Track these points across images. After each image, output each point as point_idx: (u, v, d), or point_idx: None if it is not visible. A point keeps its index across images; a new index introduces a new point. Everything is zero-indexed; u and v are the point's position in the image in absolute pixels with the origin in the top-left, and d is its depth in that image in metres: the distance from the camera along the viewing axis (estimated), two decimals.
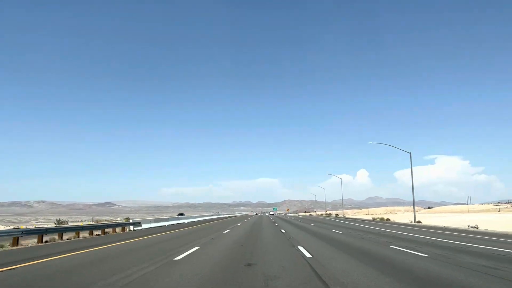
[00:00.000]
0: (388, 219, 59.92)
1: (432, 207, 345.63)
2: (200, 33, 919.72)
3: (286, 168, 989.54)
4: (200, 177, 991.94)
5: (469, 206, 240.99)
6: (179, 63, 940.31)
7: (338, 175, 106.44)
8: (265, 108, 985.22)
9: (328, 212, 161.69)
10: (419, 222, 46.26)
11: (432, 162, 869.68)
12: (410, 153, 35.49)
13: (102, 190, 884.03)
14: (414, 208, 49.94)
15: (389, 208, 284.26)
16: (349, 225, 39.58)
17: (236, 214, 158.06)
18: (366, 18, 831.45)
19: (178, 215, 77.20)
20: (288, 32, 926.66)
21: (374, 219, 63.27)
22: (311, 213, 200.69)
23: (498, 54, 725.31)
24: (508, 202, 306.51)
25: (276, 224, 43.74)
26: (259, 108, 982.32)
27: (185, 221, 55.32)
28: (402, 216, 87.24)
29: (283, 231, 29.54)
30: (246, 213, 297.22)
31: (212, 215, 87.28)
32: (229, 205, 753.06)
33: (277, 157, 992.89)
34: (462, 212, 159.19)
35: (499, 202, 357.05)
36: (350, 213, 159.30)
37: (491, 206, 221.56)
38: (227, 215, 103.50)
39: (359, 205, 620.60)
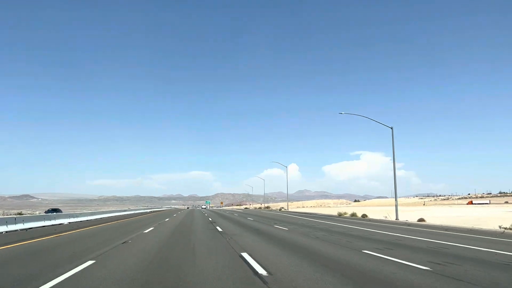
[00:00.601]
0: (365, 216, 42.62)
1: (358, 200, 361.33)
2: None
3: (219, 161, 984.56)
4: (129, 170, 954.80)
5: (398, 199, 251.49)
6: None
7: (283, 164, 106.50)
8: (197, 102, 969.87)
9: (266, 205, 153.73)
10: (417, 220, 33.34)
11: (357, 157, 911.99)
12: (391, 128, 31.21)
13: (19, 182, 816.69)
14: (396, 201, 39.34)
15: (319, 201, 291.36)
16: (315, 224, 28.87)
17: (165, 208, 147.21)
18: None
19: (47, 211, 52.67)
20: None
21: (340, 214, 49.77)
22: (247, 206, 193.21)
23: (420, 60, 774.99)
24: (428, 196, 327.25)
25: (210, 219, 38.22)
26: (190, 101, 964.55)
27: (66, 220, 32.40)
28: (345, 209, 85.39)
29: (219, 228, 24.02)
30: (176, 207, 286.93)
31: (137, 210, 76.89)
32: (159, 198, 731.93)
33: (209, 150, 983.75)
34: (392, 205, 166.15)
35: (416, 196, 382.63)
36: (293, 206, 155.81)
37: (416, 199, 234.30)
38: (151, 210, 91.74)
39: (289, 199, 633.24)
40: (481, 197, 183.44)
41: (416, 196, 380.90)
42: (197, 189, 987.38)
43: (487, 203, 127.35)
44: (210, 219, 39.21)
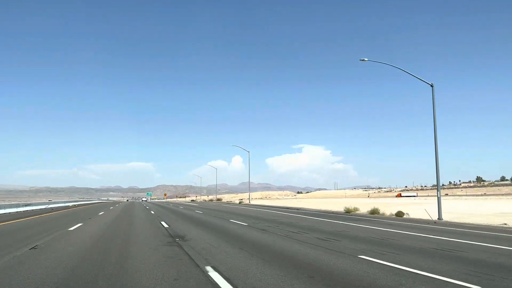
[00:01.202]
0: (400, 215, 28.38)
1: (301, 192, 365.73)
2: None
3: (161, 153, 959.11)
4: (63, 160, 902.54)
5: (342, 191, 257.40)
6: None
7: (244, 148, 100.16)
8: (137, 92, 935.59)
9: (217, 197, 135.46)
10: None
11: (300, 150, 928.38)
12: (432, 85, 26.72)
13: None
14: (438, 192, 26.70)
15: (264, 193, 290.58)
16: (318, 227, 18.19)
17: (100, 201, 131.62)
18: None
19: None
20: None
21: (349, 211, 33.80)
22: (193, 198, 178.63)
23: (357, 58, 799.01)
24: (366, 189, 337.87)
25: (152, 212, 32.33)
26: (130, 91, 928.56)
27: None
28: (308, 202, 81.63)
29: (165, 224, 18.23)
30: (115, 199, 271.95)
31: (66, 202, 65.82)
32: (97, 190, 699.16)
33: (150, 141, 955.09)
34: (341, 197, 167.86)
35: (354, 188, 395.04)
36: (256, 197, 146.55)
37: (360, 191, 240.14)
38: (86, 203, 78.84)
39: (233, 190, 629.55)
40: (422, 189, 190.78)
41: (354, 188, 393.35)
42: (137, 181, 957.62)
43: (414, 196, 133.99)
44: (152, 212, 33.36)
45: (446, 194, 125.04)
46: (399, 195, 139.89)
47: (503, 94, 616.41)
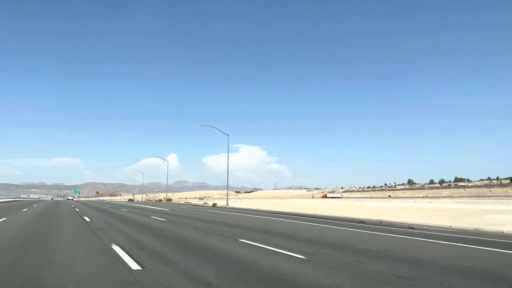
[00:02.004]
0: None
1: (239, 192, 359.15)
2: None
3: (91, 149, 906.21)
4: None
5: (283, 191, 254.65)
6: None
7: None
8: (67, 83, 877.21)
9: (168, 196, 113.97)
10: None
11: (237, 150, 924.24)
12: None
13: None
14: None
15: (202, 192, 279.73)
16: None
17: (20, 198, 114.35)
18: None
19: None
20: None
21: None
22: (130, 198, 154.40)
23: (292, 58, 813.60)
24: (299, 188, 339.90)
25: (87, 219, 22.56)
26: (60, 82, 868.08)
27: None
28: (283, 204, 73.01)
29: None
30: (37, 196, 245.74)
31: None
32: (17, 186, 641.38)
33: (79, 136, 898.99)
34: (288, 197, 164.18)
35: (289, 188, 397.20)
36: (233, 199, 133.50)
37: (304, 191, 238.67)
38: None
39: (168, 189, 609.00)
40: (362, 190, 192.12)
41: (289, 188, 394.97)
42: (64, 178, 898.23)
43: (339, 197, 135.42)
44: (87, 219, 23.35)
45: (389, 196, 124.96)
46: (324, 196, 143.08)
47: (432, 98, 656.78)
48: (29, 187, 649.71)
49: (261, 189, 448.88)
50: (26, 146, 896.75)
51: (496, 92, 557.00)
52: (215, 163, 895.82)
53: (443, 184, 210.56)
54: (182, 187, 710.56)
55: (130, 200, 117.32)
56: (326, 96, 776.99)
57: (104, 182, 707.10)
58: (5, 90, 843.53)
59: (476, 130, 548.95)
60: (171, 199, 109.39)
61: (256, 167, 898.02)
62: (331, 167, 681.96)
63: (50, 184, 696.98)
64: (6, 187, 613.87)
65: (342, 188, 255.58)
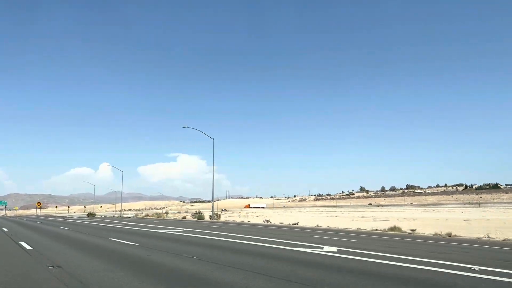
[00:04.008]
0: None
1: (184, 201, 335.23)
2: None
3: (13, 157, 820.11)
4: None
5: (242, 200, 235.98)
6: None
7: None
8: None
9: (157, 209, 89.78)
10: None
11: (174, 159, 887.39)
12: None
13: None
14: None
15: (148, 203, 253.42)
16: None
17: None
18: None
19: None
20: None
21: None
22: (91, 212, 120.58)
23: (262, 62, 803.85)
24: (240, 197, 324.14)
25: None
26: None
27: None
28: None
29: None
30: None
31: None
32: None
33: (3, 145, 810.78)
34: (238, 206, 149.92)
35: (230, 197, 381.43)
36: (126, 208, 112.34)
37: (274, 200, 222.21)
38: None
39: (100, 200, 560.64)
40: (320, 198, 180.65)
41: (230, 197, 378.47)
42: None
43: (263, 207, 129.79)
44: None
45: (351, 205, 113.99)
46: (248, 206, 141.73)
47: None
48: None
49: (202, 200, 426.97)
50: None
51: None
52: (151, 172, 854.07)
53: (396, 191, 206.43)
54: (116, 197, 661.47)
55: (90, 214, 77.28)
56: (263, 103, 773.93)
57: (29, 193, 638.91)
58: None
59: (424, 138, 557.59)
60: (148, 214, 77.66)
61: (194, 177, 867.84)
62: (268, 176, 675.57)
63: None
64: None
65: (294, 196, 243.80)
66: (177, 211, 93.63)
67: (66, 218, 56.94)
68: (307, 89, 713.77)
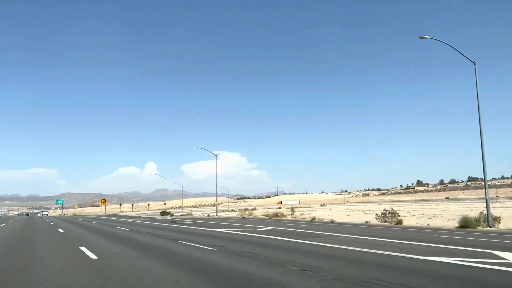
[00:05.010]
0: None
1: (237, 199, 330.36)
2: None
3: (65, 158, 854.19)
4: None
5: (305, 196, 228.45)
6: None
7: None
8: (38, 92, 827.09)
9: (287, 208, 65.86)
10: None
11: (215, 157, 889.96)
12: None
13: None
14: None
15: (197, 200, 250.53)
16: None
17: None
18: None
19: None
20: None
21: None
22: (165, 210, 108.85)
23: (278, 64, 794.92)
24: (275, 195, 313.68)
25: None
26: (32, 90, 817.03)
27: None
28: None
29: None
30: (7, 209, 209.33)
31: None
32: None
33: (53, 145, 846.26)
34: (318, 202, 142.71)
35: (269, 195, 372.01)
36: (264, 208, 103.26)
37: (330, 196, 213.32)
38: None
39: (146, 198, 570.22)
40: (383, 193, 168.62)
41: (269, 196, 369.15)
42: (38, 189, 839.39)
43: (297, 203, 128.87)
44: None
45: (425, 199, 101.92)
46: (280, 203, 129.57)
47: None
48: (1, 199, 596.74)
49: (243, 195, 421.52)
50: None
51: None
52: (194, 170, 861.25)
53: (458, 184, 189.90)
54: (161, 195, 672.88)
55: (164, 213, 61.83)
56: (305, 100, 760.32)
57: (81, 192, 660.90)
58: None
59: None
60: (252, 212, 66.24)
61: (236, 173, 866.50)
62: (310, 171, 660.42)
63: (24, 195, 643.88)
64: None
65: (344, 191, 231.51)
66: (249, 208, 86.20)
67: (139, 217, 49.23)
68: (357, 83, 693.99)
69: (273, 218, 34.77)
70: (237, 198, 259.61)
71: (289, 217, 34.00)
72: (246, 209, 48.26)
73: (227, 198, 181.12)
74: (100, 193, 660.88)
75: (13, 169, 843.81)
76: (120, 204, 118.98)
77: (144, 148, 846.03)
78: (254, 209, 61.18)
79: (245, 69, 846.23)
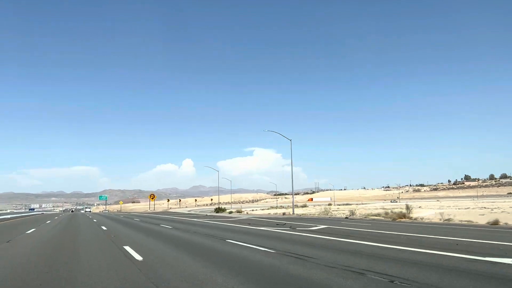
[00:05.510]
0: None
1: (278, 194, 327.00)
2: None
3: (106, 155, 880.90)
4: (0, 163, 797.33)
5: (349, 192, 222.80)
6: None
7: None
8: (80, 92, 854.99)
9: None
10: None
11: (251, 153, 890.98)
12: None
13: None
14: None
15: (235, 196, 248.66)
16: None
17: (30, 213, 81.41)
18: None
19: None
20: None
21: None
22: (220, 207, 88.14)
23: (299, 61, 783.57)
24: (312, 192, 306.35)
25: None
26: (72, 91, 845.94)
27: None
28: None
29: None
30: (53, 205, 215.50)
31: None
32: (37, 195, 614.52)
33: (94, 144, 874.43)
34: (363, 199, 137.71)
35: (307, 192, 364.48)
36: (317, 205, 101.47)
37: (377, 191, 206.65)
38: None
39: (183, 194, 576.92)
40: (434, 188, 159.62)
41: (307, 192, 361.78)
42: (81, 186, 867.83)
43: (327, 200, 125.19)
44: None
45: (483, 195, 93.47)
46: (311, 200, 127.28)
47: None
48: (48, 196, 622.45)
49: (280, 192, 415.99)
50: (44, 156, 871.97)
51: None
52: (229, 167, 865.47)
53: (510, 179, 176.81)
54: (198, 192, 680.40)
55: (218, 209, 56.14)
56: (338, 97, 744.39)
57: (121, 189, 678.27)
58: (23, 101, 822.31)
59: None
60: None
61: (271, 170, 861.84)
62: (345, 168, 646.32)
63: (68, 192, 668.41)
64: (26, 197, 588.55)
65: (385, 187, 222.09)
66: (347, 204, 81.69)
67: (206, 216, 40.30)
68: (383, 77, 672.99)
69: (398, 220, 23.06)
70: (274, 195, 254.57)
71: (409, 219, 22.98)
72: (329, 205, 40.72)
73: (265, 194, 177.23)
74: (139, 190, 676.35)
75: (59, 167, 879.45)
76: (168, 200, 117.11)
77: (181, 146, 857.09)
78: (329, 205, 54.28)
79: (272, 66, 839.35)
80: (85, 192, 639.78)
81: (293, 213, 38.04)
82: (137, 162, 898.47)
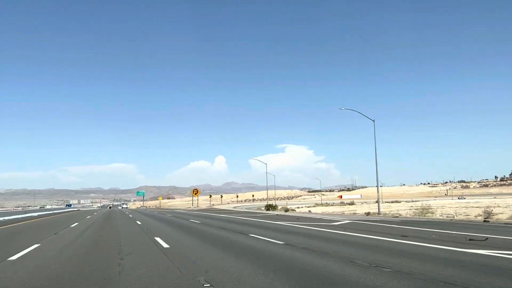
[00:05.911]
0: None
1: (314, 190, 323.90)
2: None
3: (142, 152, 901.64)
4: (42, 160, 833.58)
5: (394, 188, 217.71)
6: None
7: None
8: (117, 91, 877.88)
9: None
10: None
11: (282, 150, 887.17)
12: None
13: None
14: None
15: (271, 192, 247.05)
16: None
17: (67, 209, 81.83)
18: None
19: None
20: None
21: None
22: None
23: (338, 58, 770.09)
24: (348, 190, 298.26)
25: None
26: (111, 90, 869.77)
27: None
28: None
29: None
30: (91, 202, 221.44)
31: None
32: (76, 192, 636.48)
33: (131, 141, 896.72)
34: (412, 197, 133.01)
35: (341, 189, 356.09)
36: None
37: (424, 188, 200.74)
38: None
39: (216, 191, 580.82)
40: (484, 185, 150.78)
41: (341, 189, 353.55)
42: (118, 182, 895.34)
43: (358, 197, 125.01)
44: None
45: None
46: (340, 197, 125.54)
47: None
48: (87, 192, 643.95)
49: (310, 188, 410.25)
50: (83, 153, 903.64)
51: None
52: (262, 163, 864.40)
53: None
54: (230, 188, 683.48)
55: (269, 206, 52.43)
56: (371, 92, 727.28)
57: (156, 185, 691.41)
58: (64, 100, 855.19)
59: None
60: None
61: (303, 166, 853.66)
62: (379, 164, 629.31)
63: (106, 189, 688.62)
64: (67, 193, 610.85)
65: (422, 184, 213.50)
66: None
67: (268, 216, 31.75)
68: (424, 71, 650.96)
69: None
70: (309, 191, 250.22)
71: None
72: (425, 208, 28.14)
73: (299, 191, 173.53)
74: (174, 186, 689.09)
75: (97, 164, 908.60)
76: (210, 196, 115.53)
77: (213, 143, 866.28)
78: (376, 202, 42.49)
79: (300, 63, 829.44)
80: (122, 189, 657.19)
81: (378, 213, 30.46)
82: (171, 159, 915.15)
